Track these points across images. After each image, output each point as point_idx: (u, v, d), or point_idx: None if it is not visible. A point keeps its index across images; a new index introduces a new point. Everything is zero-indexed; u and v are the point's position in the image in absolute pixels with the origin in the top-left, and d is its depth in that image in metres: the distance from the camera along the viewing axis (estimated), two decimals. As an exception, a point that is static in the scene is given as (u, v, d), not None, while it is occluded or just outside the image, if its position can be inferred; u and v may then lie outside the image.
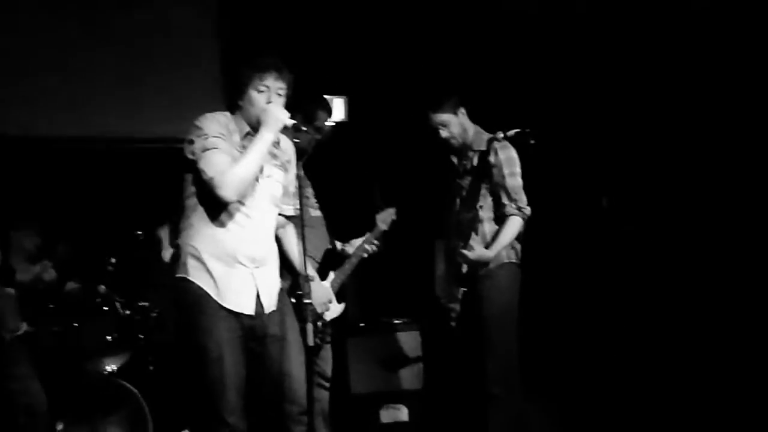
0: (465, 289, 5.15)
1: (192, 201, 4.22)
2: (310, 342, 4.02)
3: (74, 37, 6.72)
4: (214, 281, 4.14)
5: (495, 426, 5.07)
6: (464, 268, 5.14)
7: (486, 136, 5.16)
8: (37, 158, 6.08)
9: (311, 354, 4.04)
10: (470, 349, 5.24)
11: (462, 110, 5.25)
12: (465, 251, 5.02)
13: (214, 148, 4.12)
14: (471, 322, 5.15)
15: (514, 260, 5.19)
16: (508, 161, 5.12)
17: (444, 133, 5.25)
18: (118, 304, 5.82)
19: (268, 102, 4.20)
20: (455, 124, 5.23)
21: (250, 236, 4.22)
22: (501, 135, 5.09)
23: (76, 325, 5.76)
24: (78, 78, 6.69)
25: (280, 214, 4.45)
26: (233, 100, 4.28)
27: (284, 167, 4.39)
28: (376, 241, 5.56)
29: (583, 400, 6.00)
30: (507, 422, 5.07)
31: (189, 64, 7.00)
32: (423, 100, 5.33)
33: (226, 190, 4.09)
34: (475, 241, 5.07)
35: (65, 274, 5.23)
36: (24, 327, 4.73)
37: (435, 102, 5.25)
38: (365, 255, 5.48)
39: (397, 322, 6.56)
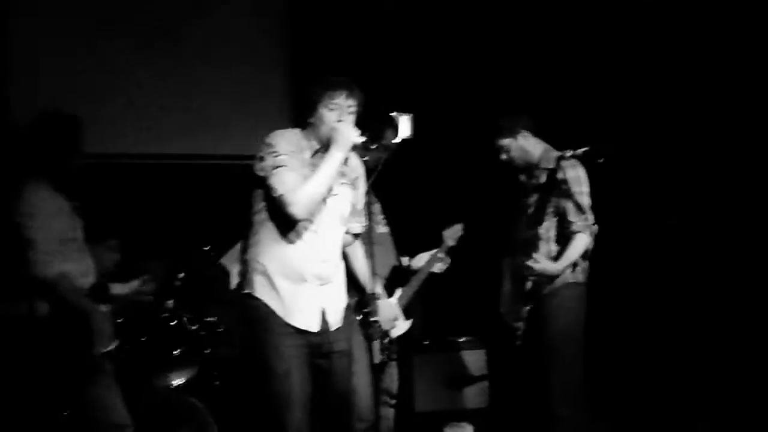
0: (529, 307, 5.12)
1: (260, 217, 4.25)
2: (377, 359, 4.03)
3: (141, 55, 6.80)
4: (281, 299, 4.17)
5: None
6: (528, 285, 5.11)
7: (555, 153, 5.14)
8: (110, 176, 6.15)
9: (377, 371, 4.02)
10: (535, 369, 5.21)
11: (523, 133, 5.28)
12: (530, 263, 4.99)
13: (285, 165, 4.16)
14: (536, 341, 5.13)
15: (580, 280, 5.17)
16: (577, 179, 5.10)
17: (504, 157, 5.31)
18: (185, 319, 5.86)
19: (339, 120, 4.22)
20: (514, 148, 5.28)
21: (317, 254, 4.24)
22: (569, 153, 5.07)
23: (144, 339, 5.82)
24: (147, 96, 6.78)
25: (347, 232, 4.46)
26: (303, 118, 4.32)
27: (353, 185, 4.41)
28: (443, 257, 5.55)
29: (651, 422, 5.92)
30: None
31: (258, 81, 7.06)
32: (484, 125, 5.35)
33: (296, 208, 4.11)
34: (539, 257, 5.04)
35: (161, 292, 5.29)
36: (115, 343, 4.77)
37: (493, 127, 5.31)
38: (434, 270, 5.47)
39: (462, 340, 6.54)
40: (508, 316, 5.30)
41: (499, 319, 5.36)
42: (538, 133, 5.34)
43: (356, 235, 4.55)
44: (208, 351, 5.92)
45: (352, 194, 4.42)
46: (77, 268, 4.62)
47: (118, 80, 6.72)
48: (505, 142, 5.28)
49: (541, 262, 5.02)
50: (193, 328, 5.87)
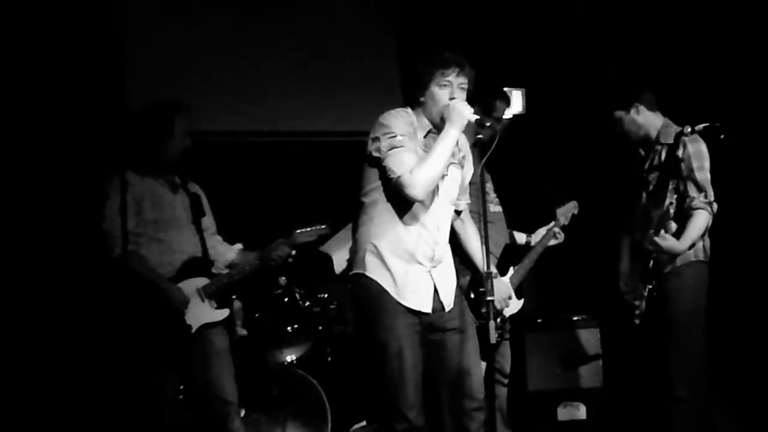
0: (651, 286, 5.02)
1: (372, 197, 4.24)
2: (492, 339, 3.99)
3: (254, 34, 6.84)
4: (393, 279, 4.17)
5: (679, 429, 4.92)
6: (651, 263, 5.01)
7: (675, 129, 5.03)
8: (213, 153, 6.22)
9: (492, 351, 3.99)
10: (654, 349, 5.12)
11: (638, 106, 5.14)
12: (657, 239, 4.88)
13: (402, 146, 4.13)
14: (656, 320, 5.02)
15: (702, 258, 5.04)
16: (697, 155, 4.96)
17: (618, 130, 5.20)
18: (297, 296, 5.92)
19: (451, 98, 4.17)
20: (628, 122, 5.16)
21: (429, 235, 4.22)
22: (689, 129, 4.94)
23: (258, 315, 5.89)
24: (257, 74, 6.83)
25: (457, 213, 4.45)
26: (414, 96, 4.27)
27: (460, 164, 4.38)
28: (558, 233, 5.49)
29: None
30: (692, 425, 4.93)
31: (367, 59, 7.04)
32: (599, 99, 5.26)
33: (415, 189, 4.09)
34: (666, 235, 4.93)
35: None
36: (217, 317, 4.88)
37: (610, 100, 5.20)
38: (551, 244, 5.43)
39: (576, 318, 6.46)
40: (627, 295, 5.21)
41: (617, 298, 5.28)
42: (658, 107, 5.21)
43: (459, 212, 4.51)
44: (320, 327, 5.98)
45: (460, 173, 4.39)
46: (157, 247, 4.78)
47: (227, 57, 6.78)
48: (618, 114, 5.17)
49: (668, 239, 4.90)
50: (306, 304, 5.93)
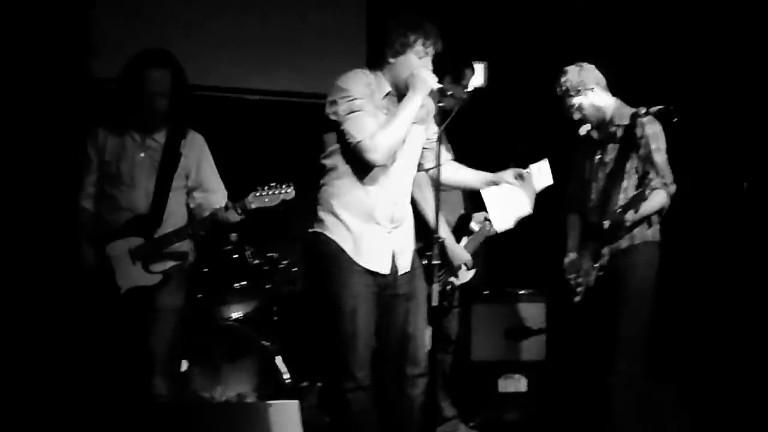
0: (601, 263, 5.07)
1: (332, 161, 4.26)
2: (434, 302, 4.03)
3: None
4: (352, 239, 4.20)
5: (620, 402, 5.00)
6: (605, 250, 5.05)
7: (628, 110, 5.06)
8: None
9: (436, 316, 4.03)
10: (598, 325, 5.19)
11: (594, 89, 5.11)
12: (627, 216, 4.88)
13: (360, 110, 4.15)
14: (605, 297, 5.09)
15: (657, 239, 5.11)
16: (655, 136, 4.99)
17: (577, 116, 5.17)
18: (248, 253, 5.90)
19: (424, 67, 4.19)
20: (587, 106, 5.13)
21: (389, 197, 4.26)
22: (644, 110, 4.98)
23: (206, 270, 5.87)
24: (216, 27, 6.77)
25: (421, 169, 4.47)
26: (383, 58, 4.26)
27: (423, 122, 4.39)
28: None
29: (713, 384, 5.88)
30: (632, 400, 5.01)
31: (334, 21, 7.02)
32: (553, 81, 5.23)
33: (376, 154, 4.12)
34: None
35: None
36: (151, 281, 4.82)
37: (561, 87, 5.14)
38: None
39: (522, 292, 6.53)
40: (569, 273, 5.27)
41: (560, 274, 5.33)
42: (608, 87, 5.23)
43: (428, 170, 4.53)
44: (268, 286, 5.98)
45: (423, 131, 4.41)
46: (108, 204, 4.75)
47: (196, 13, 6.71)
48: (577, 100, 5.13)
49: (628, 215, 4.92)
50: (256, 262, 5.92)
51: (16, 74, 6.11)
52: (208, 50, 6.65)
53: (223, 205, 4.66)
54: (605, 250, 5.06)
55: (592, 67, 5.18)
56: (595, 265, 5.08)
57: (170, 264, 4.75)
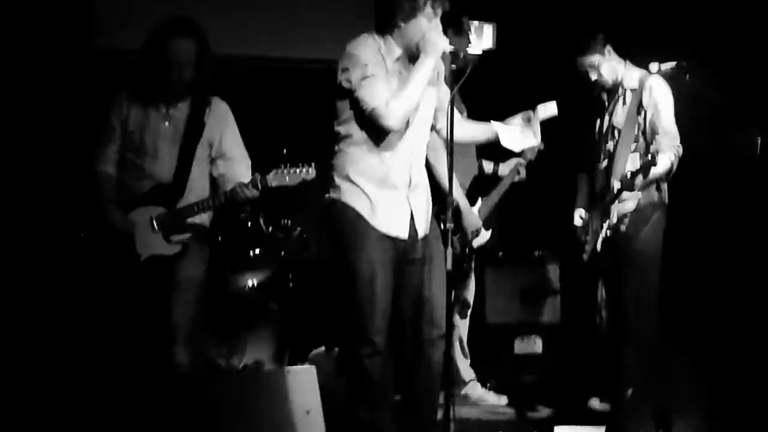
0: (609, 224, 5.08)
1: (346, 127, 4.25)
2: (449, 266, 4.04)
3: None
4: (370, 204, 4.19)
5: (632, 365, 5.02)
6: (614, 212, 5.05)
7: (637, 71, 5.05)
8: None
9: (451, 279, 4.03)
10: (607, 285, 5.21)
11: (609, 48, 5.16)
12: (637, 180, 4.89)
13: (373, 76, 4.13)
14: (612, 257, 5.10)
15: (665, 201, 5.13)
16: (663, 99, 5.02)
17: (594, 76, 5.19)
18: (261, 221, 5.91)
19: (434, 29, 4.17)
20: (605, 66, 5.15)
21: (404, 160, 4.25)
22: (655, 68, 4.97)
23: (220, 238, 5.88)
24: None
25: (433, 129, 4.46)
26: (393, 22, 4.23)
27: (434, 83, 4.37)
28: (521, 169, 5.53)
29: (728, 347, 5.88)
30: (644, 362, 5.03)
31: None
32: (569, 42, 5.26)
33: (391, 120, 4.11)
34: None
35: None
36: (171, 250, 4.81)
37: (582, 45, 5.18)
38: (515, 180, 5.46)
39: (536, 253, 6.53)
40: (580, 231, 5.28)
41: (571, 233, 5.34)
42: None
43: (438, 130, 4.51)
44: (283, 253, 5.99)
45: (435, 92, 4.39)
46: (131, 173, 4.73)
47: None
48: (595, 59, 5.15)
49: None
50: (270, 230, 5.93)
51: (20, 49, 6.13)
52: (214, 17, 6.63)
53: (247, 180, 4.62)
54: (613, 211, 5.06)
55: (600, 33, 5.20)
56: (604, 226, 5.09)
57: (189, 235, 4.75)
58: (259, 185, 4.56)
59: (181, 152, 4.74)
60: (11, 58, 6.12)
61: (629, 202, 5.05)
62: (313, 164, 4.52)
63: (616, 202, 5.04)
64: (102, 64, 6.45)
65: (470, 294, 5.61)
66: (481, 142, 4.66)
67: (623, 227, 5.07)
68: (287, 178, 4.54)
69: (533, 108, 4.49)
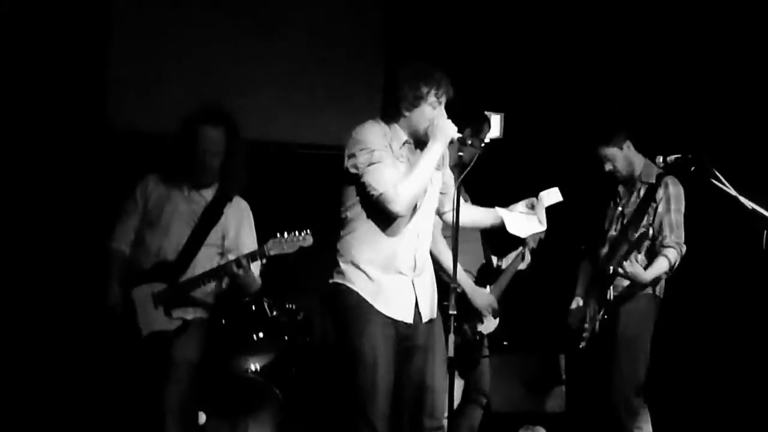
0: (605, 310, 5.14)
1: (352, 212, 4.25)
2: (451, 353, 4.02)
3: (236, 44, 6.90)
4: (374, 289, 4.19)
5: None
6: (610, 294, 5.10)
7: (655, 169, 5.20)
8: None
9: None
10: (603, 371, 5.23)
11: (628, 143, 5.31)
12: (626, 263, 5.02)
13: (380, 162, 4.15)
14: (605, 343, 5.20)
15: (657, 293, 5.24)
16: (676, 197, 5.20)
17: (608, 167, 5.33)
18: (266, 305, 5.90)
19: (440, 116, 4.21)
20: (620, 159, 5.31)
21: (410, 244, 4.25)
22: (661, 160, 5.03)
23: (224, 321, 5.87)
24: (239, 83, 6.82)
25: (440, 214, 4.50)
26: (397, 109, 4.26)
27: (439, 167, 4.38)
28: (526, 256, 5.53)
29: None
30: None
31: (353, 75, 7.09)
32: (591, 131, 5.40)
33: (398, 206, 4.12)
34: (634, 261, 5.06)
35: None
36: (171, 325, 4.83)
37: (604, 135, 5.31)
38: (520, 268, 5.46)
39: (541, 343, 6.50)
40: (574, 318, 5.37)
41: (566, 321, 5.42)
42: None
43: (442, 214, 4.53)
44: (286, 338, 5.97)
45: (440, 177, 4.42)
46: (140, 249, 4.81)
47: (213, 64, 6.78)
48: (611, 152, 5.30)
49: (635, 266, 5.06)
50: (274, 314, 5.92)
51: (33, 126, 6.21)
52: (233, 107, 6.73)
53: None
54: (610, 297, 5.16)
55: (624, 122, 5.38)
56: (601, 311, 5.11)
57: (191, 312, 4.75)
58: (258, 256, 4.63)
59: (192, 234, 4.79)
60: (24, 134, 6.18)
61: (625, 290, 5.17)
62: (308, 230, 4.58)
63: (611, 288, 5.16)
64: (114, 144, 6.53)
65: (485, 382, 5.55)
66: (485, 227, 4.67)
67: (616, 314, 5.18)
68: (285, 245, 4.61)
69: (536, 194, 4.50)
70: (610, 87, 6.73)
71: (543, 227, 4.53)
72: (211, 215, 4.83)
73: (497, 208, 4.53)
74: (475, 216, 4.57)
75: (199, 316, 4.81)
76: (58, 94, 6.34)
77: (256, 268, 4.80)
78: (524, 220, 4.49)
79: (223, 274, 4.73)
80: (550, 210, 4.55)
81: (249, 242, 4.87)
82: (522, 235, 4.63)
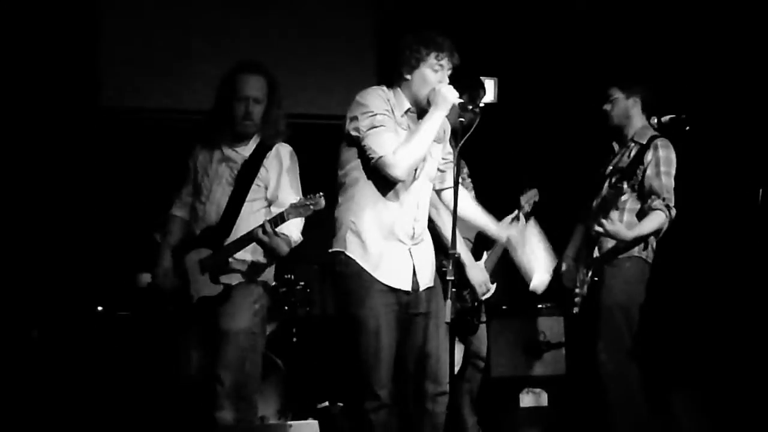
0: (593, 273, 5.14)
1: (351, 177, 4.25)
2: (448, 318, 4.04)
3: (227, 17, 6.94)
4: (373, 257, 4.19)
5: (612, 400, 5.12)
6: (596, 252, 5.10)
7: (650, 132, 5.15)
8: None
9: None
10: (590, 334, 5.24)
11: (637, 99, 5.26)
12: (604, 221, 4.97)
13: (381, 126, 4.14)
14: (592, 308, 5.17)
15: (644, 256, 5.16)
16: (667, 160, 5.11)
17: (606, 107, 5.29)
18: (265, 276, 5.90)
19: (440, 81, 4.20)
20: (620, 106, 5.26)
21: (409, 213, 4.25)
22: (655, 120, 5.04)
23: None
24: (229, 54, 6.79)
25: (438, 190, 4.49)
26: (399, 74, 4.26)
27: (440, 140, 4.39)
28: (521, 221, 5.54)
29: (730, 387, 5.87)
30: (623, 393, 5.10)
31: (344, 40, 7.08)
32: (609, 70, 5.39)
33: (397, 170, 4.11)
34: (614, 218, 5.03)
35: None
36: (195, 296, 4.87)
37: (621, 77, 5.30)
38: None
39: (540, 306, 6.52)
40: (567, 280, 5.35)
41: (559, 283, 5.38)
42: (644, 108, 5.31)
43: (440, 190, 4.54)
44: (286, 308, 5.98)
45: (441, 149, 4.42)
46: (192, 214, 4.82)
47: (210, 39, 6.78)
48: (618, 95, 5.26)
49: (615, 224, 5.00)
50: (274, 284, 5.92)
51: (25, 107, 6.23)
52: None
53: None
54: (596, 258, 5.13)
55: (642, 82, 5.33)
56: (589, 274, 5.11)
57: (236, 277, 4.74)
58: (278, 220, 4.53)
59: (232, 195, 4.74)
60: (15, 116, 6.18)
61: (612, 252, 5.12)
62: (321, 193, 4.47)
63: (596, 249, 5.14)
64: (106, 122, 6.52)
65: (483, 347, 5.58)
66: (478, 226, 4.68)
67: (602, 278, 5.14)
68: (301, 210, 4.48)
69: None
70: (602, 50, 6.70)
71: (548, 276, 4.68)
72: (248, 172, 4.75)
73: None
74: (472, 211, 4.56)
75: (245, 281, 4.78)
76: (51, 77, 6.35)
77: (297, 226, 4.68)
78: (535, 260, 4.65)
79: (251, 240, 4.64)
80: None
81: (289, 193, 4.73)
82: (538, 291, 4.75)
